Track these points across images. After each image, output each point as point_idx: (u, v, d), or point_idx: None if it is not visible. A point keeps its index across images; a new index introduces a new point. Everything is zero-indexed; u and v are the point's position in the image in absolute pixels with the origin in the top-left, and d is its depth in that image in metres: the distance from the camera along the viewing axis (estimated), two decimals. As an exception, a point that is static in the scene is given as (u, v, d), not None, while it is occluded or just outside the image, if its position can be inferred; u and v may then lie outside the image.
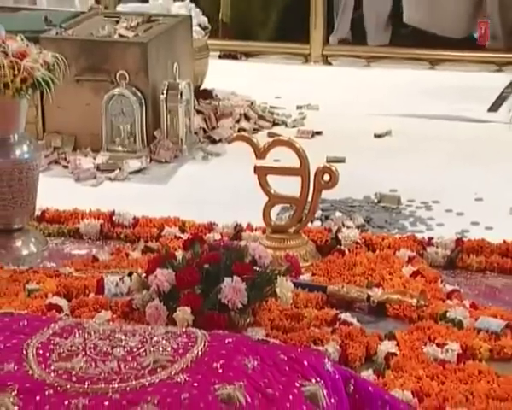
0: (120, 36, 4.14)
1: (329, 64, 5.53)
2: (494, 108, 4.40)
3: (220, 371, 1.92)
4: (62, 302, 2.76)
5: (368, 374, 2.40)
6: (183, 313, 2.50)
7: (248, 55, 5.63)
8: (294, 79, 5.09)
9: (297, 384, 1.94)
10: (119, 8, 5.01)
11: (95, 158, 3.94)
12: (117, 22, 4.29)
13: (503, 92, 4.51)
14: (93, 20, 4.41)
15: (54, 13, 4.47)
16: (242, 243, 2.82)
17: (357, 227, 3.29)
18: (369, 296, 2.78)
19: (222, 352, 1.99)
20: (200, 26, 4.61)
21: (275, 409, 1.87)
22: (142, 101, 3.93)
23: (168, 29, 4.25)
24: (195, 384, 1.87)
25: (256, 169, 3.08)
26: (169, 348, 1.99)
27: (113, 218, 3.33)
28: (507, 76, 4.83)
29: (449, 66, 5.34)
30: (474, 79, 4.96)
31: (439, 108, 4.52)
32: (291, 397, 1.91)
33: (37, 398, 1.87)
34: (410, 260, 3.02)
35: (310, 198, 3.05)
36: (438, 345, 2.54)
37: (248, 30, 5.85)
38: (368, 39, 5.75)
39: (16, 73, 3.01)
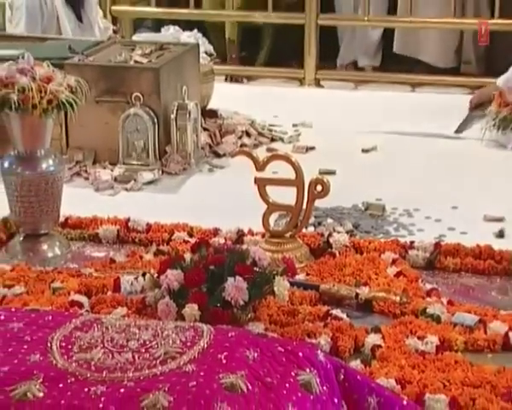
0: (135, 62, 4.13)
1: (321, 87, 5.53)
2: (461, 129, 4.41)
3: (224, 361, 1.92)
4: (83, 299, 2.76)
5: (356, 364, 2.39)
6: (191, 309, 2.50)
7: (249, 78, 5.63)
8: (290, 100, 5.09)
9: (293, 374, 1.94)
10: (135, 37, 5.01)
11: (112, 170, 3.93)
12: (132, 50, 4.29)
13: (468, 115, 4.51)
14: (111, 48, 4.41)
15: (77, 42, 4.47)
16: (244, 247, 2.83)
17: (347, 232, 3.28)
18: (357, 294, 2.77)
19: (225, 344, 1.99)
20: (206, 53, 4.61)
21: (273, 396, 1.87)
22: (155, 120, 3.93)
23: (178, 56, 4.25)
24: (202, 374, 1.87)
25: (256, 180, 3.07)
26: (178, 341, 2.00)
27: (129, 224, 3.33)
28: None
29: (428, 89, 5.36)
30: (450, 100, 4.97)
31: (419, 126, 4.52)
32: (287, 385, 1.91)
33: (61, 385, 1.87)
34: (393, 261, 3.01)
35: (304, 206, 3.05)
36: (418, 338, 2.53)
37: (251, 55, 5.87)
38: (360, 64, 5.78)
39: (43, 95, 3.02)
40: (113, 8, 5.60)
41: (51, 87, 3.05)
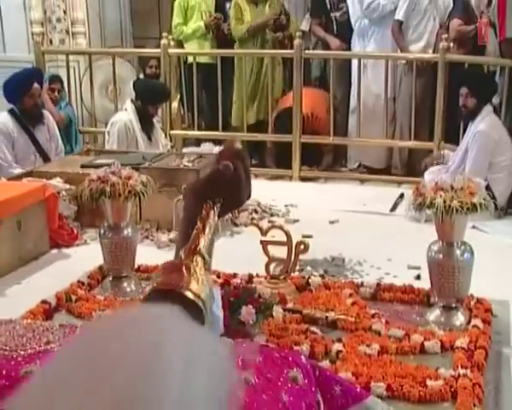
0: (184, 166, 4.16)
1: (303, 181, 5.52)
2: (393, 209, 4.44)
3: (239, 363, 1.88)
4: (149, 319, 2.73)
5: (325, 363, 2.36)
6: (219, 327, 2.47)
7: (256, 175, 5.63)
8: (283, 189, 5.10)
9: (285, 371, 1.88)
10: (184, 150, 5.05)
11: (169, 235, 3.93)
12: (182, 158, 4.32)
13: (396, 200, 4.54)
14: (169, 157, 4.44)
15: (147, 153, 4.51)
16: (253, 286, 2.82)
17: (320, 276, 3.26)
18: (327, 317, 2.74)
19: (240, 351, 1.95)
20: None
21: (272, 386, 1.82)
22: (196, 203, 3.93)
23: (212, 161, 4.26)
24: (225, 371, 1.83)
25: (261, 242, 3.06)
26: (210, 349, 1.96)
27: (179, 270, 3.30)
28: (402, 189, 4.85)
29: (370, 183, 5.35)
30: (385, 191, 4.97)
31: (366, 207, 4.53)
32: (281, 379, 1.85)
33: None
34: (350, 295, 2.98)
35: (292, 259, 3.03)
36: (366, 345, 2.51)
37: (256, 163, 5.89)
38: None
39: (125, 188, 3.05)
40: (171, 131, 5.62)
41: (131, 182, 3.08)
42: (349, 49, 5.70)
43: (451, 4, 5.35)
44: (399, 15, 5.30)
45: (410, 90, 5.21)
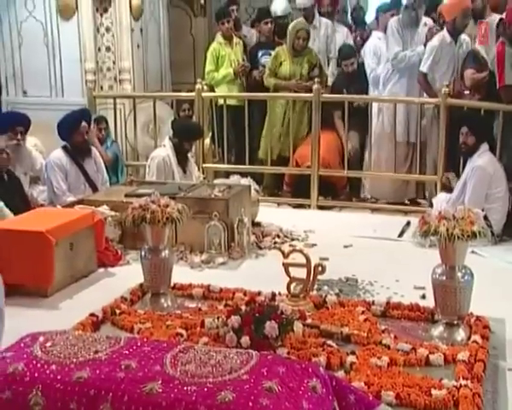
0: (215, 195, 4.17)
1: (320, 209, 5.49)
2: (400, 235, 4.40)
3: (265, 373, 1.87)
4: (183, 332, 2.73)
5: (341, 374, 2.34)
6: (245, 339, 2.47)
7: (279, 204, 5.62)
8: (303, 216, 5.07)
9: (305, 381, 1.89)
10: (215, 181, 5.04)
11: (201, 256, 3.93)
12: (213, 188, 4.33)
13: (403, 227, 4.51)
14: (201, 187, 4.45)
15: (183, 184, 4.53)
16: (276, 303, 2.80)
17: (335, 295, 3.24)
18: (341, 332, 2.73)
19: (266, 363, 1.94)
20: (255, 189, 4.64)
21: (294, 395, 1.81)
22: (225, 228, 3.94)
23: (239, 192, 4.28)
24: (252, 380, 1.83)
25: (283, 264, 3.06)
26: (238, 361, 1.95)
27: (210, 288, 3.31)
28: (409, 218, 4.81)
29: (380, 212, 5.28)
30: (393, 219, 4.90)
31: (376, 233, 4.49)
32: (302, 388, 1.86)
33: (170, 385, 1.83)
34: (362, 312, 2.97)
35: (311, 279, 3.02)
36: (377, 358, 2.49)
37: (279, 193, 5.87)
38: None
39: (163, 214, 3.07)
40: (204, 165, 5.64)
41: (168, 210, 3.10)
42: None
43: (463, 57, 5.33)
44: (424, 68, 5.23)
45: (437, 132, 5.09)
